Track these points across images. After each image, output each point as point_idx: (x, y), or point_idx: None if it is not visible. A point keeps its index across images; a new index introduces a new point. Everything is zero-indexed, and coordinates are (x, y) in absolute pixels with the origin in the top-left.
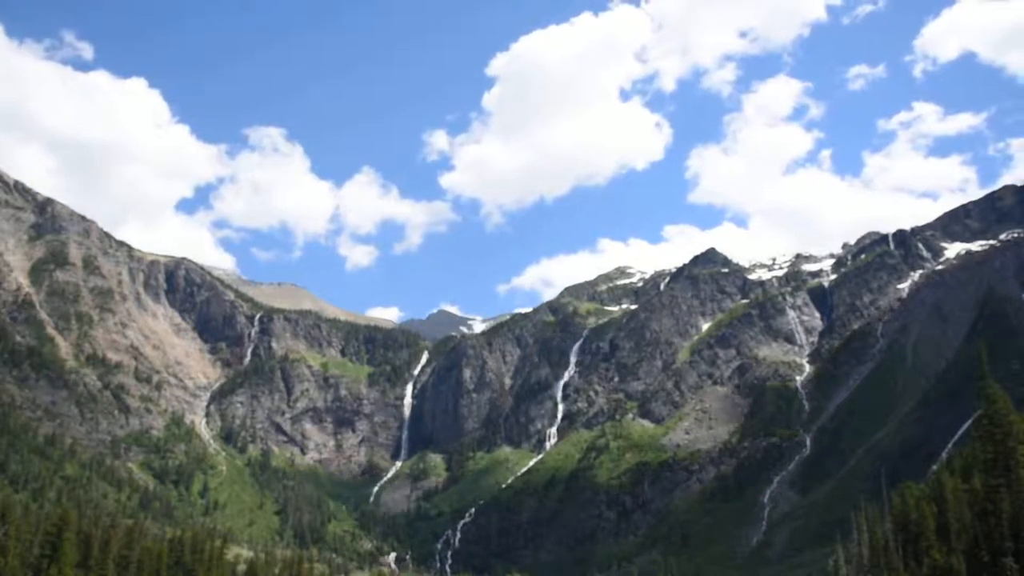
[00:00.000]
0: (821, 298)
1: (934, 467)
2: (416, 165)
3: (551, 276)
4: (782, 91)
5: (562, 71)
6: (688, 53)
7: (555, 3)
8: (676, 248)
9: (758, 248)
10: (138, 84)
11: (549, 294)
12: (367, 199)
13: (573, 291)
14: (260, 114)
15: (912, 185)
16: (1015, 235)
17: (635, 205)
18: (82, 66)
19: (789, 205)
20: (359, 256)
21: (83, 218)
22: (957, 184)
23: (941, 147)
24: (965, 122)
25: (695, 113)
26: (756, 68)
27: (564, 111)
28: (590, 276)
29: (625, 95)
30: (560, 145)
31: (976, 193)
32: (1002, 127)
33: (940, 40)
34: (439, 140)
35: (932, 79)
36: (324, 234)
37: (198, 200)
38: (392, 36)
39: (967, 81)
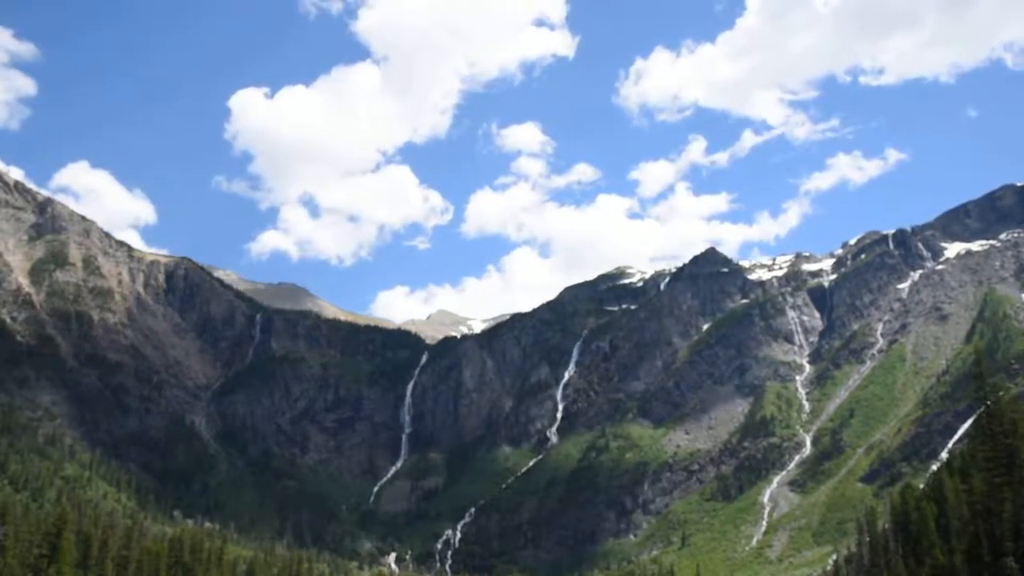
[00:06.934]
0: (821, 298)
1: (934, 467)
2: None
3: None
4: (528, 131)
5: (315, 135)
6: (426, 100)
7: (304, 64)
8: (497, 283)
9: (555, 274)
10: None
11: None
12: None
13: (573, 291)
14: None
15: (687, 212)
16: (1015, 235)
17: (435, 253)
18: None
19: (566, 235)
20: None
21: (83, 218)
22: (726, 212)
23: (709, 183)
24: (722, 158)
25: (452, 158)
26: (499, 111)
27: (333, 173)
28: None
29: (383, 151)
30: (343, 205)
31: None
32: (749, 164)
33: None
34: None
35: (696, 119)
36: None
37: None
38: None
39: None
